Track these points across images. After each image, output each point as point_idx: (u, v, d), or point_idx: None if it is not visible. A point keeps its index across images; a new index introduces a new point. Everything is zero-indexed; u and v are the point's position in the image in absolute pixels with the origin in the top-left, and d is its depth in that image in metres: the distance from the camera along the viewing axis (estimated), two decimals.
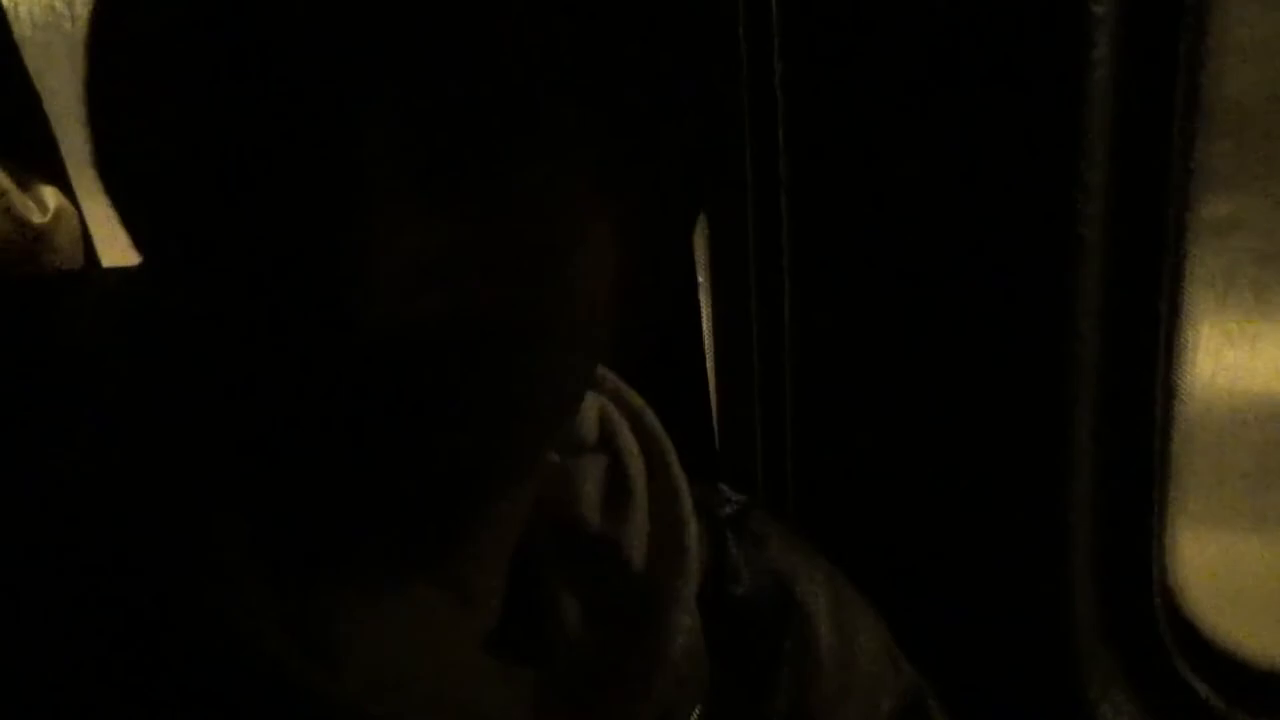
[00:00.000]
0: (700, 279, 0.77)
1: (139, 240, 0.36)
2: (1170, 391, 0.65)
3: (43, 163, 0.87)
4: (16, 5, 0.88)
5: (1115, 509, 0.66)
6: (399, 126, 0.30)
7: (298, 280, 0.31)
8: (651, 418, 0.51)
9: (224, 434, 0.37)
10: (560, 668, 0.43)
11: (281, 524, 0.36)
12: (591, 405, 0.49)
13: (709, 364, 0.78)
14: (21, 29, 0.88)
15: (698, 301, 0.77)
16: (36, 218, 0.86)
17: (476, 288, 0.32)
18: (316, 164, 0.30)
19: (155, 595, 0.35)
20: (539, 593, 0.44)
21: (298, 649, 0.35)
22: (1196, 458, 0.65)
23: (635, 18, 0.34)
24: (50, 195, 0.88)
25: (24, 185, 0.87)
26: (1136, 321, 0.63)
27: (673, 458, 0.50)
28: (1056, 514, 0.66)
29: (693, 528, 0.48)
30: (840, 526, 0.71)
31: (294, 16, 0.30)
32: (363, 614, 0.36)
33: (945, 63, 0.62)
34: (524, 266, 0.33)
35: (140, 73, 0.33)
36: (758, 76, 0.67)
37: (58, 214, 0.87)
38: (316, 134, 0.30)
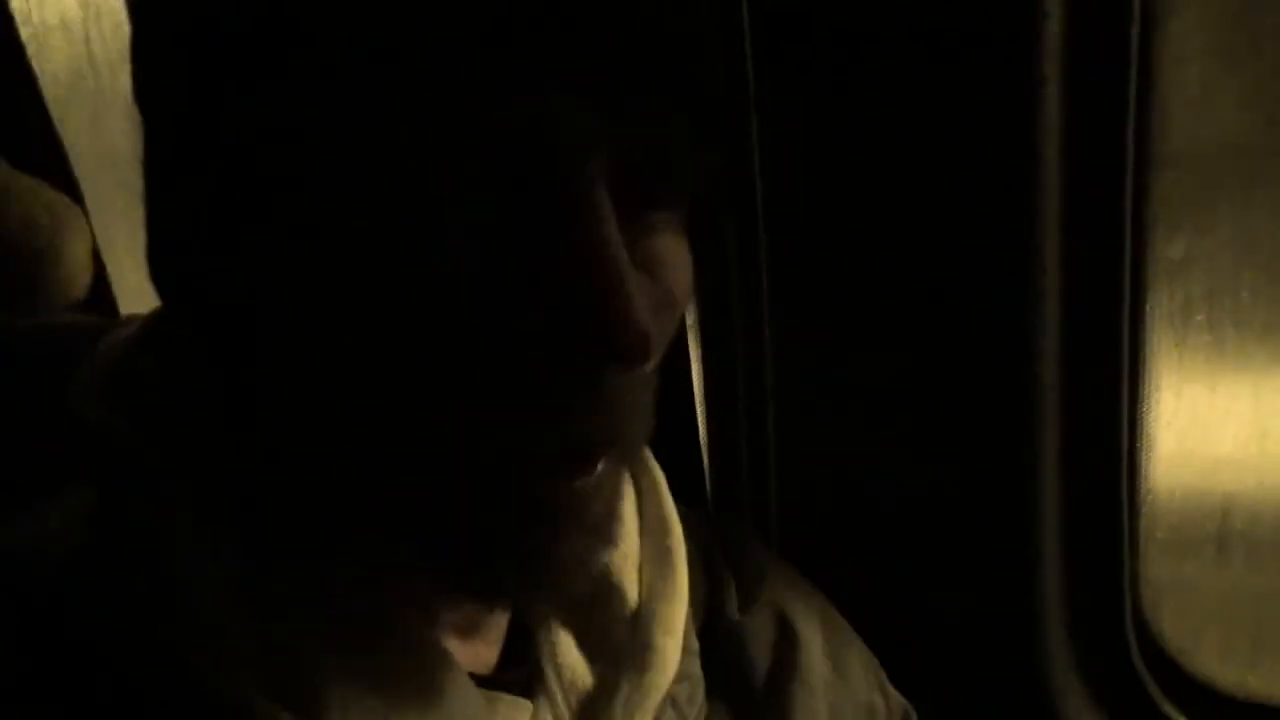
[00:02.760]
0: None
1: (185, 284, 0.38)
2: (1135, 424, 0.67)
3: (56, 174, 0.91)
4: (42, 68, 0.93)
5: (1085, 538, 0.68)
6: (611, 165, 0.34)
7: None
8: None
9: (216, 470, 0.37)
10: (557, 696, 0.44)
11: (268, 560, 0.37)
12: None
13: (697, 395, 0.80)
14: (48, 87, 0.93)
15: (684, 333, 0.79)
16: (44, 219, 0.89)
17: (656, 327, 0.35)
18: (551, 203, 0.33)
19: (131, 642, 0.34)
20: (535, 623, 0.45)
21: (274, 695, 0.34)
22: (1164, 489, 0.67)
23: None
24: (60, 203, 0.91)
25: (37, 191, 0.90)
26: (1099, 361, 0.65)
27: (663, 486, 0.51)
28: (1026, 545, 0.68)
29: (682, 556, 0.49)
30: (822, 557, 0.71)
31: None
32: (351, 664, 0.37)
33: (903, 110, 0.65)
34: (670, 303, 0.38)
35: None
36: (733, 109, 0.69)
37: (66, 221, 0.90)
38: (549, 171, 0.33)
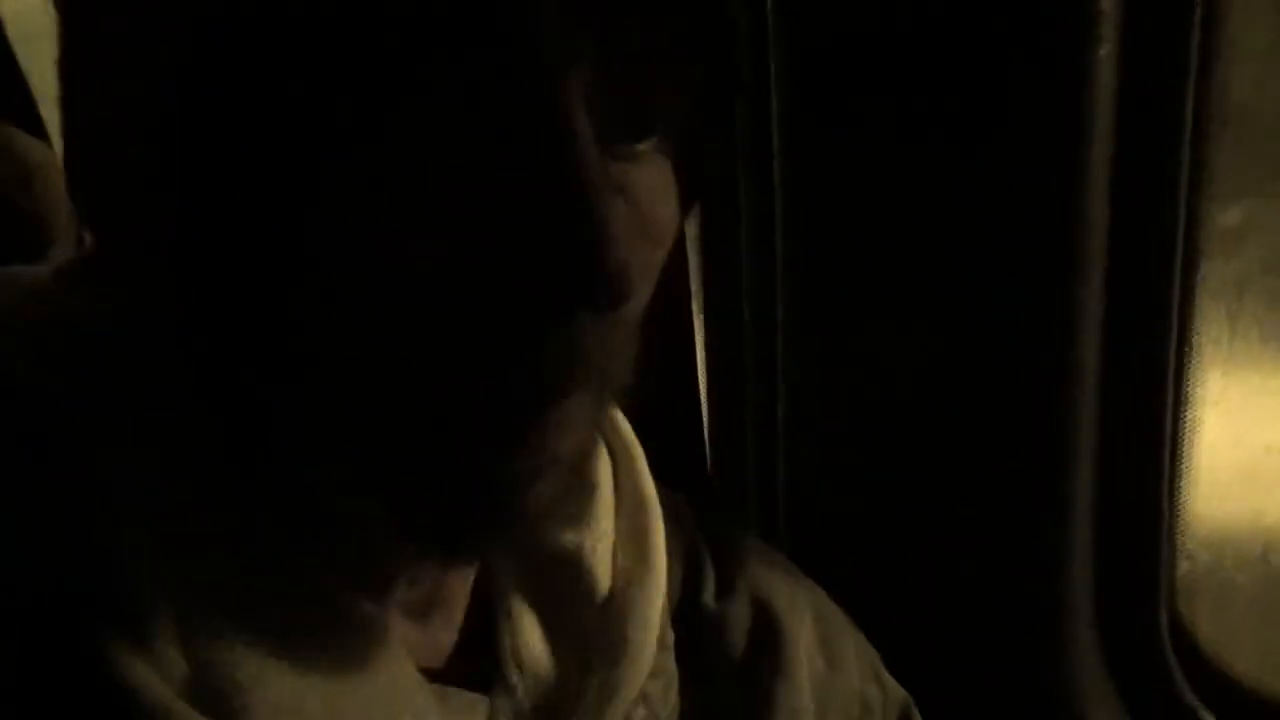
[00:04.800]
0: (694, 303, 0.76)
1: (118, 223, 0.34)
2: (1180, 408, 0.63)
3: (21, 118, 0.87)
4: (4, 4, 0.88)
5: (1120, 529, 0.64)
6: (591, 83, 0.31)
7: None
8: (620, 421, 0.48)
9: (147, 446, 0.34)
10: (517, 691, 0.40)
11: (207, 558, 0.33)
12: None
13: (702, 384, 0.76)
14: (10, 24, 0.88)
15: (690, 320, 0.75)
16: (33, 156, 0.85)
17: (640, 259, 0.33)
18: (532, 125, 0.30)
19: (55, 644, 0.31)
20: (496, 609, 0.42)
21: (194, 698, 0.31)
22: (1207, 475, 0.63)
23: None
24: (36, 150, 0.87)
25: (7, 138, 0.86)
26: (1144, 335, 0.62)
27: (641, 464, 0.48)
28: (1058, 536, 0.64)
29: (660, 539, 0.46)
30: (832, 548, 0.69)
31: None
32: (281, 651, 0.33)
33: (944, 65, 0.61)
34: (656, 250, 0.35)
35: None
36: (753, 95, 0.66)
37: (42, 170, 0.86)
38: (529, 90, 0.30)
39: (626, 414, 0.50)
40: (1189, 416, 0.62)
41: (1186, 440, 0.63)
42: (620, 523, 0.46)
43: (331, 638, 0.35)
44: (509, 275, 0.30)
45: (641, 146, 0.34)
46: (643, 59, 0.32)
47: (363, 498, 0.34)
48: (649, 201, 0.34)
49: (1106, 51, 0.56)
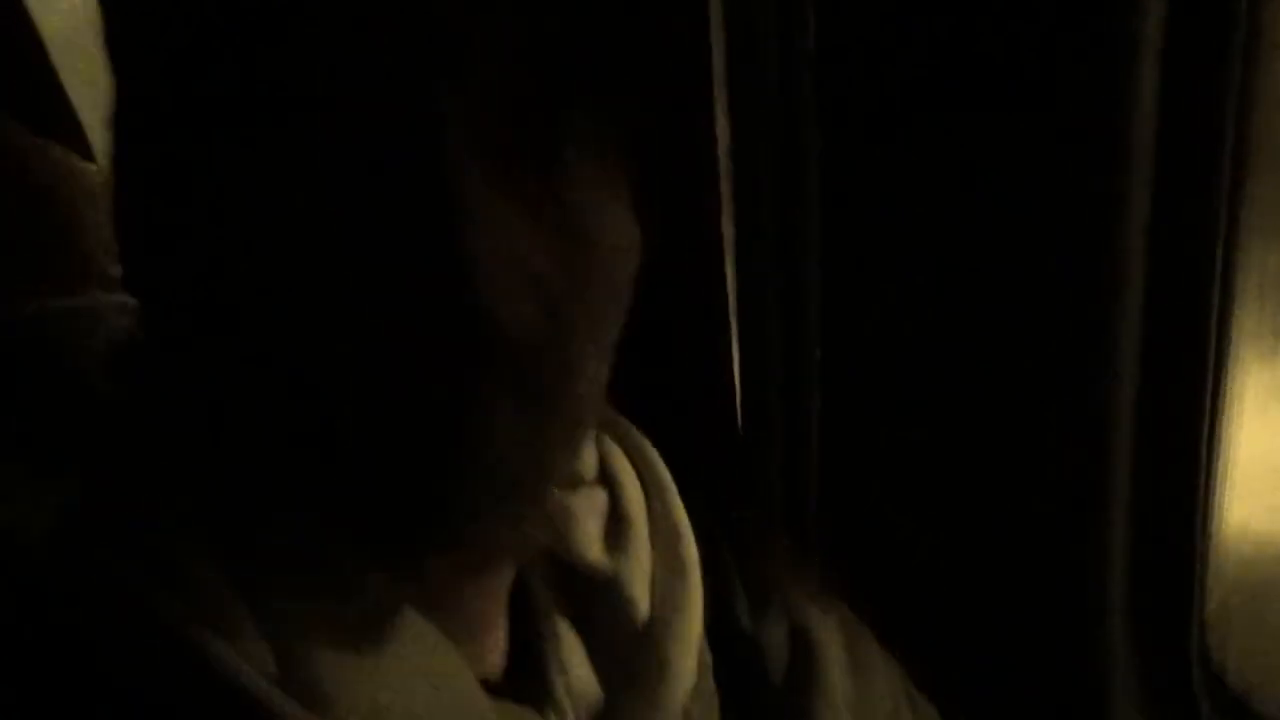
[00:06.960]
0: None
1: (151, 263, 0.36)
2: (1215, 442, 0.62)
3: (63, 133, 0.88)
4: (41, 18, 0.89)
5: (1154, 561, 0.63)
6: (477, 109, 0.30)
7: (405, 281, 0.31)
8: (649, 449, 0.50)
9: (222, 464, 0.36)
10: (562, 713, 0.42)
11: (272, 560, 0.36)
12: (589, 438, 0.48)
13: (734, 375, 0.75)
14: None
15: (726, 310, 0.74)
16: (63, 189, 0.86)
17: (557, 286, 0.33)
18: (402, 155, 0.30)
19: (135, 633, 0.33)
20: (540, 632, 0.44)
21: (283, 688, 0.34)
22: (1243, 477, 0.61)
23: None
24: (80, 170, 0.88)
25: (52, 154, 0.87)
26: (1181, 369, 0.60)
27: (672, 491, 0.49)
28: (1094, 539, 0.63)
29: (695, 564, 0.47)
30: (865, 552, 0.69)
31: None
32: (358, 657, 0.36)
33: (982, 70, 0.59)
34: (590, 263, 0.34)
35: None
36: (788, 86, 0.65)
37: (87, 189, 0.87)
38: (399, 121, 0.30)
39: (659, 420, 0.50)
40: (1227, 417, 0.61)
41: (1224, 442, 0.61)
42: (656, 549, 0.47)
43: (400, 647, 0.37)
44: (386, 293, 0.31)
45: (574, 163, 0.33)
46: (549, 59, 0.32)
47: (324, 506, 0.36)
48: (583, 220, 0.34)
49: (1150, 44, 0.54)
